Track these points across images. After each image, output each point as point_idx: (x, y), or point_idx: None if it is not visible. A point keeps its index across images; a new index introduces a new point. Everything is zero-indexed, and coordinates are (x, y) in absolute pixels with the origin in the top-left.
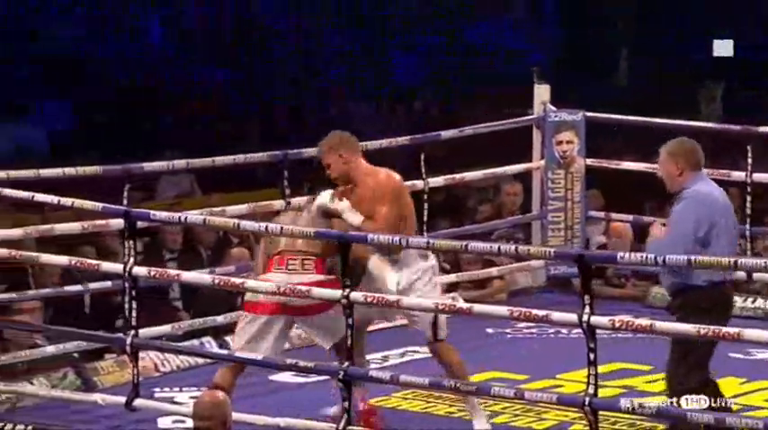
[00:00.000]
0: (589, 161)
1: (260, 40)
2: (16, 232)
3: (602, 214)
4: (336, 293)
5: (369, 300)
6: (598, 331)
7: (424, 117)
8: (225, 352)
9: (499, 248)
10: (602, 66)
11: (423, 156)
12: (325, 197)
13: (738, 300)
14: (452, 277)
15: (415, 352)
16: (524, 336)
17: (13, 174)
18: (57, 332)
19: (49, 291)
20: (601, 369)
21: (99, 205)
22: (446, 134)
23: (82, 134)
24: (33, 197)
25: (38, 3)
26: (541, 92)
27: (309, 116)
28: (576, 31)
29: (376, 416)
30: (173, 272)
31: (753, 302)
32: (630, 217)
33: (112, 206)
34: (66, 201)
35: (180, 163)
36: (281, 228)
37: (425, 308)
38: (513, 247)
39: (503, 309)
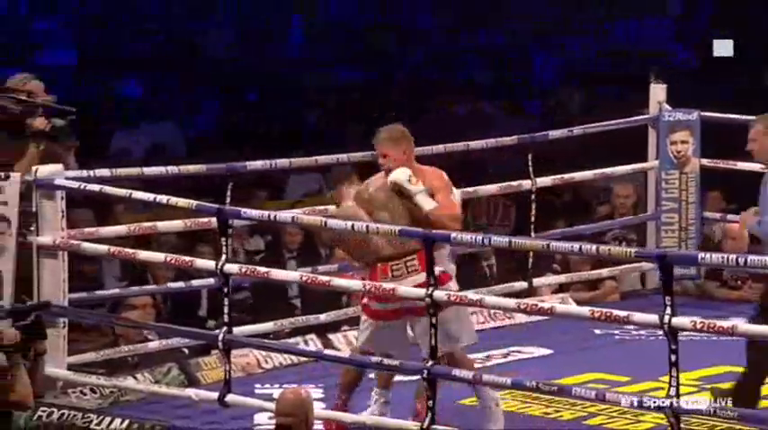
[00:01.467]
0: (704, 161)
1: (397, 39)
2: (121, 229)
3: (717, 215)
4: (420, 292)
5: (452, 298)
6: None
7: (559, 117)
8: (314, 349)
9: (580, 248)
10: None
11: (530, 156)
12: (401, 174)
13: None
14: (562, 278)
15: (518, 352)
16: (632, 338)
17: (119, 171)
18: (155, 328)
19: (153, 287)
20: (709, 371)
21: (193, 203)
22: (554, 134)
23: (220, 134)
24: (131, 195)
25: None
26: (657, 91)
27: (437, 115)
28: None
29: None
30: (262, 269)
31: None
32: None
33: (206, 204)
34: (162, 198)
35: (282, 162)
36: (367, 226)
37: (506, 307)
38: (594, 248)
39: (584, 310)
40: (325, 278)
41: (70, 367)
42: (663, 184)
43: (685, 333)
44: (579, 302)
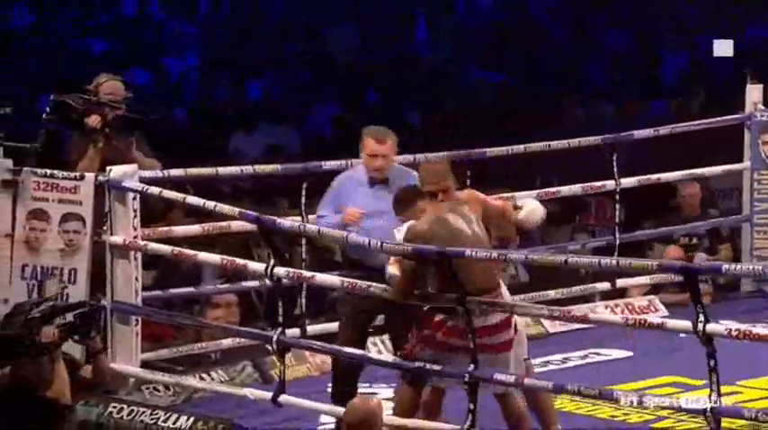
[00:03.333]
0: None
1: (531, 40)
2: (194, 229)
3: None
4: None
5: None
6: None
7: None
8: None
9: (599, 262)
10: None
11: (615, 156)
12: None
13: None
14: (645, 279)
15: (597, 354)
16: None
17: (193, 171)
18: (213, 327)
19: (227, 286)
20: None
21: (236, 210)
22: (639, 134)
23: (337, 135)
24: (185, 199)
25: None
26: (753, 92)
27: (563, 116)
28: None
29: None
30: (307, 273)
31: None
32: None
33: (247, 212)
34: (210, 204)
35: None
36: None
37: (537, 314)
38: (613, 261)
39: (617, 317)
40: (364, 284)
41: (148, 363)
42: (755, 185)
43: None
44: (668, 304)
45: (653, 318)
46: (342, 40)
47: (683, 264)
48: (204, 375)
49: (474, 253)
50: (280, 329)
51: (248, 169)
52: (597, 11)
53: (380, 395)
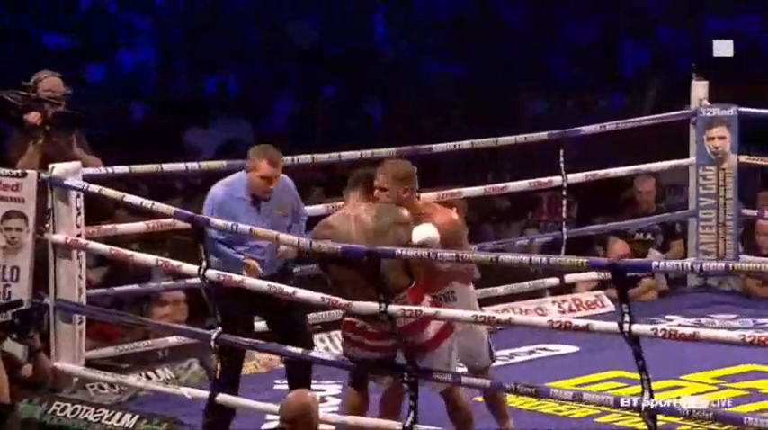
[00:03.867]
0: (743, 158)
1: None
2: (139, 226)
3: (755, 212)
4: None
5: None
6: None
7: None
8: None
9: (530, 260)
10: None
11: (562, 152)
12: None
13: None
14: (593, 275)
15: (544, 349)
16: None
17: (137, 168)
18: (154, 325)
19: (171, 283)
20: (730, 370)
21: (172, 209)
22: (587, 129)
23: (293, 130)
24: (124, 197)
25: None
26: (699, 88)
27: (522, 110)
28: None
29: None
30: (237, 277)
31: None
32: None
33: (182, 211)
34: (147, 202)
35: (320, 157)
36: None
37: (464, 319)
38: (545, 259)
39: (543, 320)
40: (289, 290)
41: (91, 361)
42: (701, 180)
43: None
44: (615, 299)
45: (578, 321)
46: (300, 32)
47: (610, 262)
48: (150, 373)
49: (402, 253)
50: (219, 328)
51: (194, 166)
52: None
53: (327, 391)
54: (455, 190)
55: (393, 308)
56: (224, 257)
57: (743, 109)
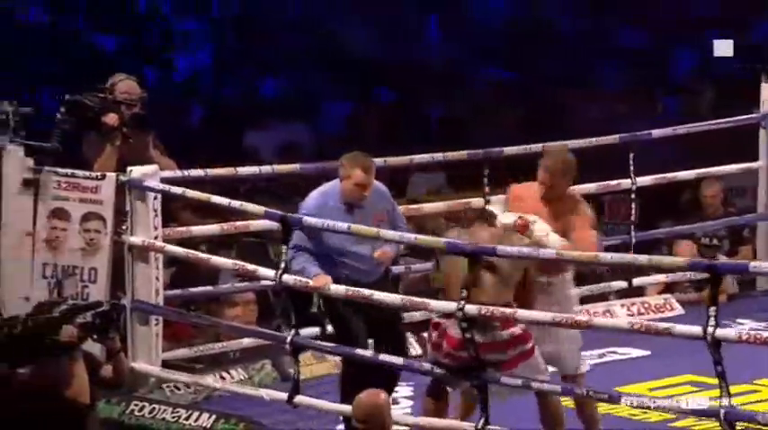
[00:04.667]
0: None
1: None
2: (213, 228)
3: None
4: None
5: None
6: None
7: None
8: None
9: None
10: None
11: (632, 155)
12: (508, 218)
13: None
14: (661, 277)
15: (614, 352)
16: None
17: (213, 171)
18: (228, 328)
19: (246, 284)
20: None
21: (261, 209)
22: (656, 133)
23: (352, 134)
24: (210, 199)
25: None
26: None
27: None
28: None
29: None
30: (311, 282)
31: None
32: None
33: (273, 211)
34: (236, 203)
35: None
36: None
37: (542, 321)
38: (644, 258)
39: (623, 322)
40: (367, 292)
41: (168, 362)
42: None
43: None
44: (684, 303)
45: (660, 324)
46: (355, 37)
47: (711, 263)
48: (224, 374)
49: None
50: (293, 331)
51: (267, 169)
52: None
53: (400, 393)
54: None
55: (470, 307)
56: (302, 270)
57: None
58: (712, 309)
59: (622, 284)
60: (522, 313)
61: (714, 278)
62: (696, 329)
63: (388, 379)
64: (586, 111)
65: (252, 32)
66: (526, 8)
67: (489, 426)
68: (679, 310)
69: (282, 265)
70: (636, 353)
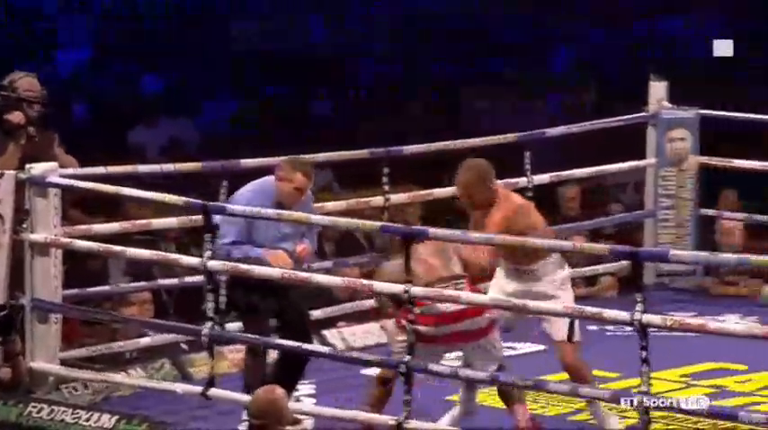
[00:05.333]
0: (703, 159)
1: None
2: (114, 226)
3: (713, 212)
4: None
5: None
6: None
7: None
8: (309, 346)
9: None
10: None
11: (528, 154)
12: None
13: None
14: None
15: (512, 348)
16: (626, 334)
17: (112, 169)
18: (138, 323)
19: (143, 284)
20: (696, 368)
21: (182, 199)
22: (552, 132)
23: (236, 130)
24: (120, 192)
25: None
26: (657, 89)
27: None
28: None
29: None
30: (243, 266)
31: None
32: (741, 215)
33: (194, 200)
34: (151, 195)
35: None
36: None
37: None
38: (571, 245)
39: (558, 307)
40: (305, 275)
41: (64, 362)
42: (660, 182)
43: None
44: (576, 298)
45: (590, 308)
46: (239, 31)
47: (632, 250)
48: (122, 373)
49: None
50: (211, 323)
51: (169, 167)
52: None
53: (302, 391)
54: (426, 191)
55: (416, 290)
56: (246, 256)
57: (704, 111)
58: (639, 295)
59: None
60: (466, 296)
61: (636, 265)
62: (624, 315)
63: (293, 372)
64: (472, 107)
65: (133, 28)
66: (413, 4)
67: (410, 421)
68: None
69: (207, 254)
70: (532, 348)
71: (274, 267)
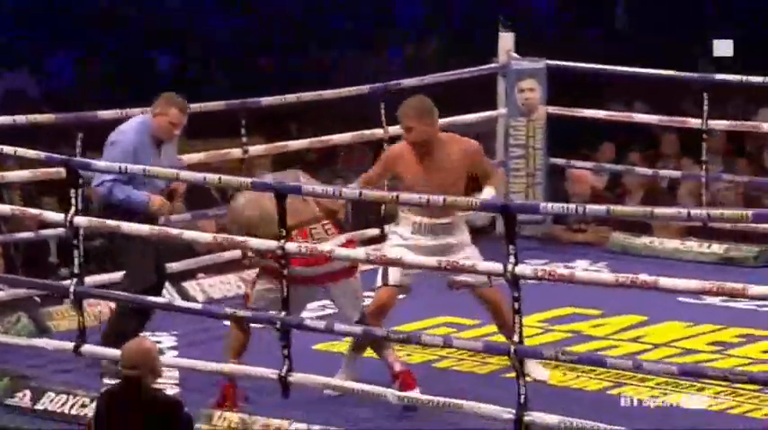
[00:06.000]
0: (551, 109)
1: None
2: None
3: (563, 161)
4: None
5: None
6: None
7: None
8: (166, 299)
9: (428, 201)
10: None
11: (383, 105)
12: None
13: (694, 245)
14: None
15: (369, 297)
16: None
17: None
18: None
19: None
20: (552, 313)
21: (42, 154)
22: (407, 82)
23: (80, 85)
24: None
25: None
26: (506, 40)
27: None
28: None
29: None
30: (111, 222)
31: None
32: (590, 164)
33: (55, 155)
34: (9, 149)
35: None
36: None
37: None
38: (440, 199)
39: (432, 260)
40: (175, 232)
41: None
42: (511, 131)
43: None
44: None
45: (465, 261)
46: None
47: (504, 203)
48: None
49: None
50: (76, 279)
51: (21, 119)
52: None
53: (164, 344)
54: (282, 143)
55: (290, 245)
56: (128, 198)
57: (552, 62)
58: (511, 247)
59: (376, 231)
60: (339, 251)
61: (507, 218)
62: (497, 266)
63: (138, 322)
64: (321, 63)
65: None
66: None
67: (293, 373)
68: None
69: (72, 210)
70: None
71: (156, 211)
